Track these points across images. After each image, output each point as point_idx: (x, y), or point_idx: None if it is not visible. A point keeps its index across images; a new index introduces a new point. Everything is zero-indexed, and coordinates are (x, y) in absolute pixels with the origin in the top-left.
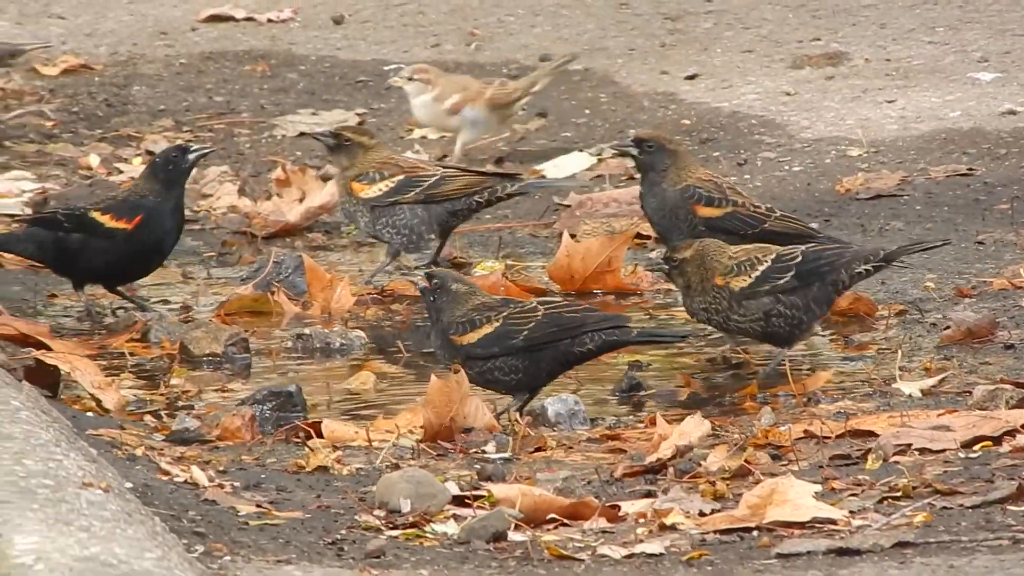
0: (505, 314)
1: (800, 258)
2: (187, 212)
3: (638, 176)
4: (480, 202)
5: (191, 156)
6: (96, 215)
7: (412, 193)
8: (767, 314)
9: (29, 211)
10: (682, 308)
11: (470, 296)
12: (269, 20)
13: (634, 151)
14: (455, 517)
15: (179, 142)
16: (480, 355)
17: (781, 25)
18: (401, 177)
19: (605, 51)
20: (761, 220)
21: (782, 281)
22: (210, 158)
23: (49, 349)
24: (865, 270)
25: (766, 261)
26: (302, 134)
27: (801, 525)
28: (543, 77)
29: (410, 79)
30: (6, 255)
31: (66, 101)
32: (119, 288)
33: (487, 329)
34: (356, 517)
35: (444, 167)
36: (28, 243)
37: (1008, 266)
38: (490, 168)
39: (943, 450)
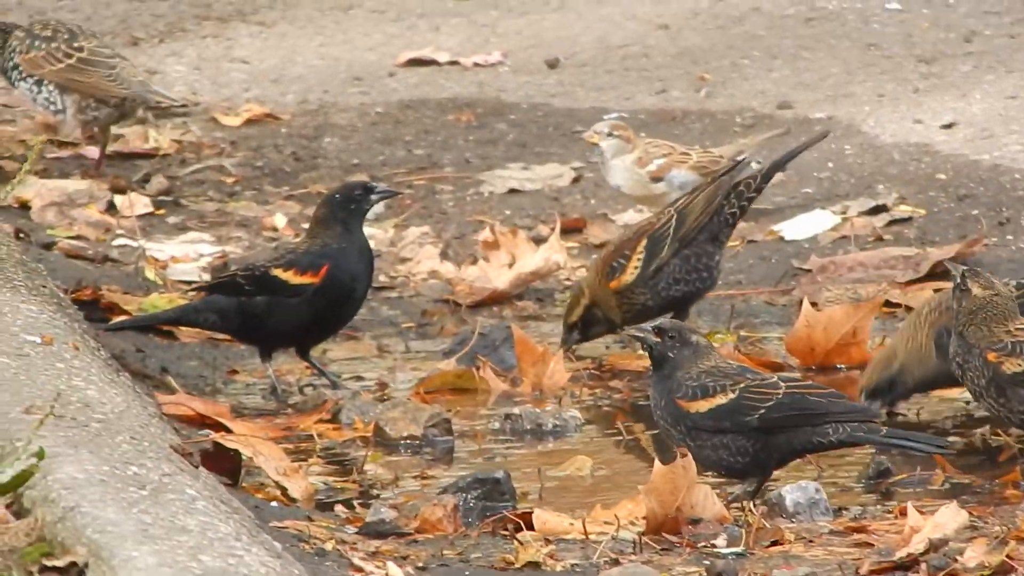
0: (743, 386)
1: None
2: (384, 278)
3: (886, 238)
4: (734, 212)
5: (375, 196)
6: (278, 272)
7: (665, 248)
8: None
9: (207, 277)
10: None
11: (708, 353)
12: (475, 64)
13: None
14: None
15: (361, 179)
16: (708, 428)
17: None
18: (644, 242)
19: (851, 97)
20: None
21: None
22: (410, 220)
23: (229, 431)
24: None
25: None
26: (512, 191)
27: None
28: (751, 146)
29: (609, 135)
30: (183, 328)
31: (249, 155)
32: (311, 356)
33: (720, 400)
34: None
35: (673, 204)
36: (208, 313)
37: None
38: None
39: None
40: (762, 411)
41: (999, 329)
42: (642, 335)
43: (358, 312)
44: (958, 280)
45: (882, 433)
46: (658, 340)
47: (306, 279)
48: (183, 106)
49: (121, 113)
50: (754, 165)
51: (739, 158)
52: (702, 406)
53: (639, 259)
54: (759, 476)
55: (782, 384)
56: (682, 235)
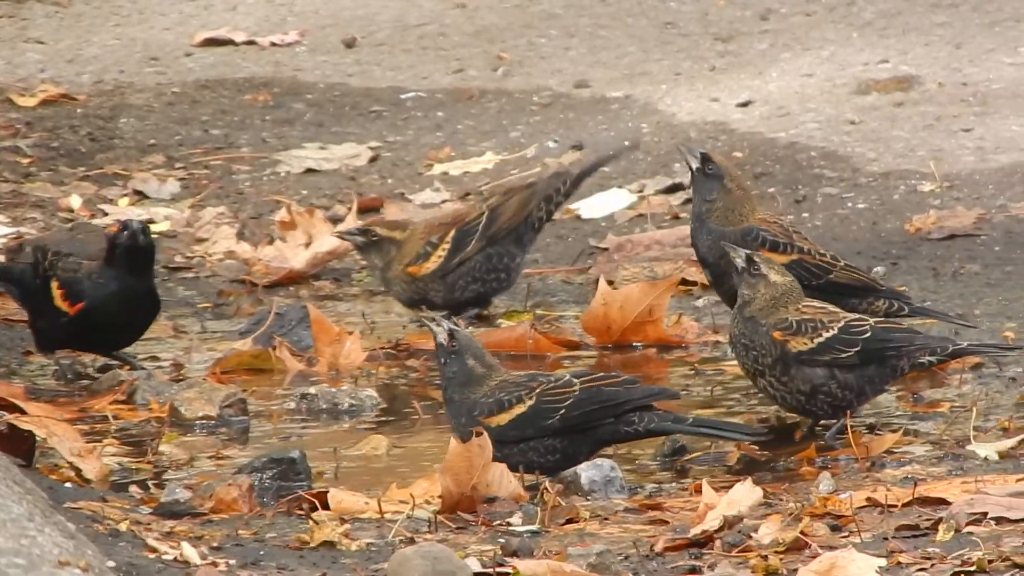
0: (538, 391)
1: (869, 334)
2: (180, 258)
3: (683, 216)
4: (542, 216)
5: (125, 233)
6: (54, 285)
7: (472, 243)
8: (815, 388)
9: (1, 259)
10: (734, 362)
11: (488, 376)
12: (272, 44)
13: (696, 164)
14: None
15: (132, 220)
16: (513, 438)
17: (844, 46)
18: (453, 232)
19: (648, 76)
20: (826, 270)
21: (844, 356)
22: (206, 200)
23: (23, 412)
24: (929, 361)
25: (832, 328)
26: (309, 171)
27: None
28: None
29: None
30: None
31: (45, 135)
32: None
33: (519, 409)
34: None
35: (485, 201)
36: (11, 285)
37: None
38: (531, 176)
39: (1023, 519)
40: (562, 411)
41: (789, 309)
42: (436, 330)
43: (134, 339)
44: (746, 266)
45: (689, 422)
46: (444, 343)
47: (64, 306)
48: None
49: None
50: (550, 144)
51: (565, 170)
52: (502, 419)
53: (445, 249)
54: (569, 468)
55: (576, 381)
56: (491, 234)
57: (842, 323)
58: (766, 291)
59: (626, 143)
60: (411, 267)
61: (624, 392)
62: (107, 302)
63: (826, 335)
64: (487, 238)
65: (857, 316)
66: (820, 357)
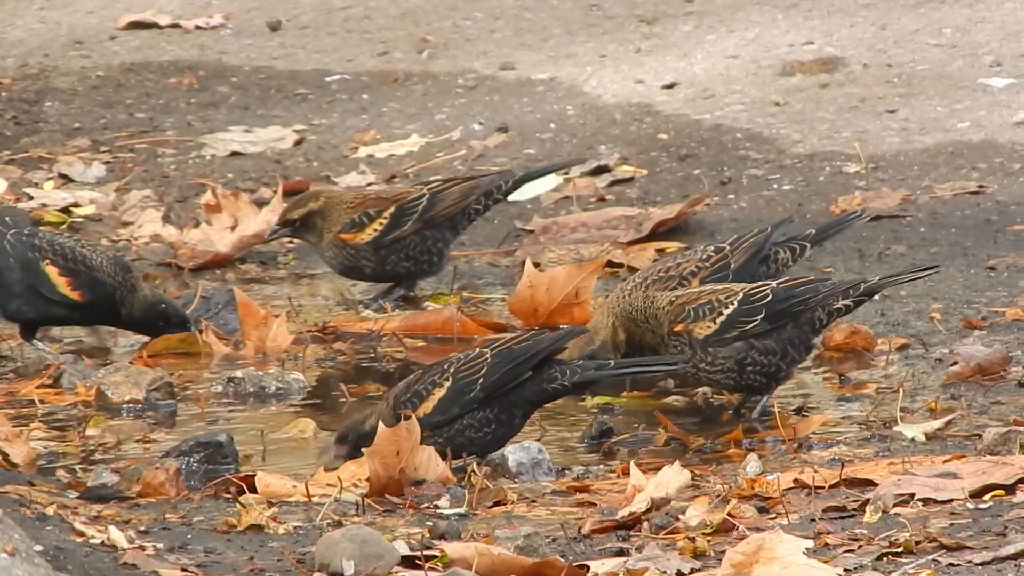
0: (452, 371)
1: (770, 296)
2: (106, 242)
3: (608, 198)
4: (479, 208)
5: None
6: (53, 271)
7: (409, 222)
8: (740, 363)
9: None
10: None
11: (392, 392)
12: (197, 27)
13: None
14: None
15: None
16: (442, 422)
17: (770, 28)
18: (392, 209)
19: (573, 58)
20: (726, 266)
21: (752, 325)
22: (131, 183)
23: None
24: (845, 306)
25: (731, 303)
26: (234, 154)
27: None
28: None
29: None
30: None
31: None
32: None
33: (439, 393)
34: None
35: (427, 184)
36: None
37: (1022, 294)
38: (476, 171)
39: (949, 500)
40: (480, 380)
41: (659, 303)
42: (332, 455)
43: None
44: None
45: (611, 367)
46: (347, 449)
47: (74, 296)
48: None
49: None
50: (476, 126)
51: (508, 171)
52: (427, 407)
53: (382, 223)
54: (509, 438)
55: (487, 350)
56: (428, 217)
57: (740, 295)
58: (653, 332)
59: (574, 157)
60: (344, 234)
61: (534, 344)
62: (105, 300)
63: (727, 312)
64: (423, 220)
65: (757, 284)
66: (728, 335)
